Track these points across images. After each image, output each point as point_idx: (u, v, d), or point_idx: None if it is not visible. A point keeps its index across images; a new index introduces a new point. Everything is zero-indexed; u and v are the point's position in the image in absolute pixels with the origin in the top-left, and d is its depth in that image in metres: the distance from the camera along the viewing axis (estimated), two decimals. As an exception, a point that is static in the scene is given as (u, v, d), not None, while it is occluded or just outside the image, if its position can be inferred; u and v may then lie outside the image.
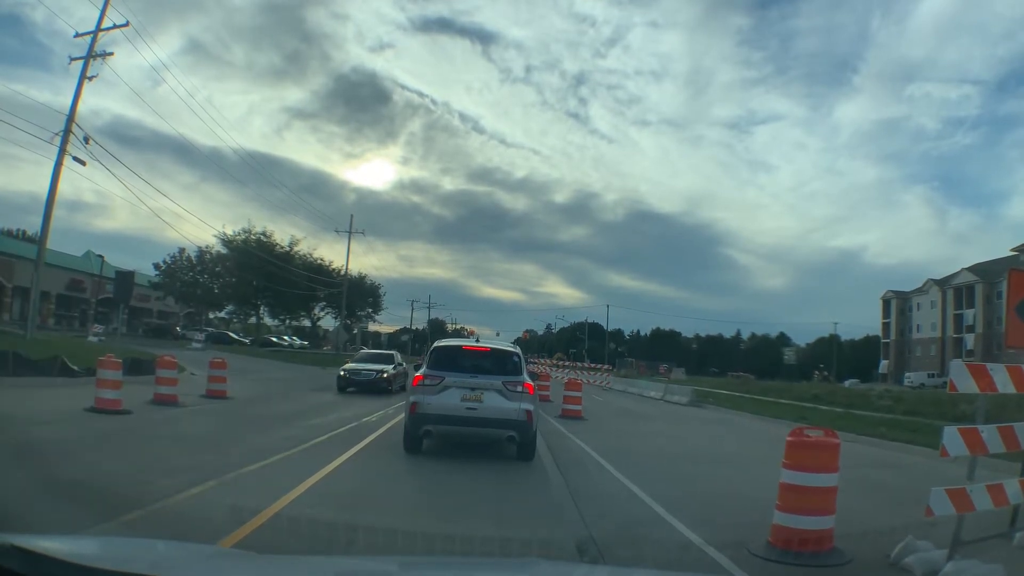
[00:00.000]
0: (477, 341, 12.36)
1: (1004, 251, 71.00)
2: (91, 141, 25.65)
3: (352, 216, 62.60)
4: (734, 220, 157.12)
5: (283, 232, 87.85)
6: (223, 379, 17.33)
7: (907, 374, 72.50)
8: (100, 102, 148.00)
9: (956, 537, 5.40)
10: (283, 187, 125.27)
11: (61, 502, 5.92)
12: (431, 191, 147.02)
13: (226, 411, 14.78)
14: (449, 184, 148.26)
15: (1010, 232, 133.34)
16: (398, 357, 26.38)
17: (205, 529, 5.38)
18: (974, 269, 75.39)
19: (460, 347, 11.33)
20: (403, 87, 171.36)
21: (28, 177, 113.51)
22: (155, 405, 13.97)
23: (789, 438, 6.19)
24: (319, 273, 65.82)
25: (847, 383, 58.21)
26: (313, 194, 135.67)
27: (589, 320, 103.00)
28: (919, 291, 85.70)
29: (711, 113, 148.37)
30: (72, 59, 26.55)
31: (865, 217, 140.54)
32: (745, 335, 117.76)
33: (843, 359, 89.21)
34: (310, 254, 68.17)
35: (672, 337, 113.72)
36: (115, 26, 26.37)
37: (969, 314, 75.28)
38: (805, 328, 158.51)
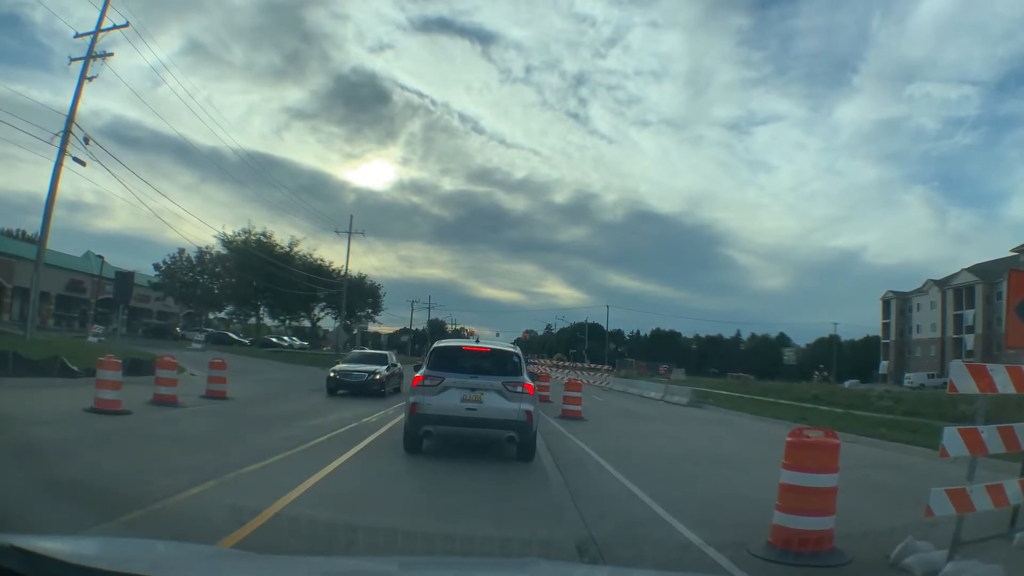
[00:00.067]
0: (477, 341, 12.38)
1: (1004, 251, 71.33)
2: (91, 141, 25.73)
3: (352, 216, 62.35)
4: (734, 220, 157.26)
5: (283, 232, 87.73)
6: (223, 379, 17.33)
7: (907, 375, 72.46)
8: (100, 102, 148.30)
9: (956, 537, 5.40)
10: (283, 187, 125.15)
11: (61, 502, 5.92)
12: (431, 191, 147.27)
13: (226, 411, 14.78)
14: (449, 184, 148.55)
15: (1010, 232, 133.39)
16: (392, 357, 25.10)
17: (205, 529, 5.39)
18: (974, 269, 75.38)
19: (460, 347, 11.33)
20: (403, 87, 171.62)
21: (28, 177, 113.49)
22: (155, 405, 13.97)
23: (789, 439, 6.20)
24: (319, 273, 65.78)
25: (847, 383, 58.13)
26: (313, 194, 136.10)
27: (589, 320, 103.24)
28: (919, 291, 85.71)
29: (711, 113, 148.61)
30: (72, 59, 26.63)
31: (865, 217, 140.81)
32: (745, 335, 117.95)
33: (843, 359, 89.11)
34: (310, 254, 68.31)
35: (672, 337, 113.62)
36: (115, 26, 26.45)
37: (969, 315, 75.30)
38: (805, 328, 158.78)
